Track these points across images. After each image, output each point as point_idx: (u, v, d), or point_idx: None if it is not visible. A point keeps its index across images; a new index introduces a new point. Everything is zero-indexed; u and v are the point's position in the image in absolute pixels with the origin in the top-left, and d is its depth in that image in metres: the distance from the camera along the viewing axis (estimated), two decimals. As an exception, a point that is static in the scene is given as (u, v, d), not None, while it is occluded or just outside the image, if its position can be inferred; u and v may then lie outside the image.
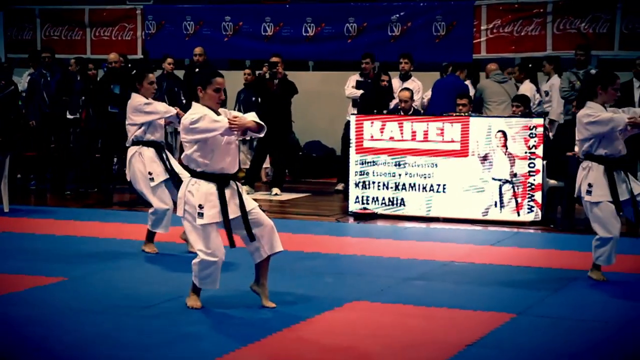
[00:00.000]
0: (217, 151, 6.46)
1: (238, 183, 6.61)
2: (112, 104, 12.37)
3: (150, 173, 8.61)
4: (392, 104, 12.34)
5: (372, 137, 10.98)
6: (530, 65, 12.66)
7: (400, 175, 10.89)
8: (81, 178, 13.13)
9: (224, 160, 6.50)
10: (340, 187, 12.92)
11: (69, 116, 12.94)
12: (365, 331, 6.14)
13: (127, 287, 7.32)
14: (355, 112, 12.17)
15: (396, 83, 13.02)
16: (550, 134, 11.02)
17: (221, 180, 6.49)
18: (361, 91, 12.74)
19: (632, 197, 7.50)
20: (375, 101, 12.40)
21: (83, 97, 12.83)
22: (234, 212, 6.49)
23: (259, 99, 12.99)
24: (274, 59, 12.69)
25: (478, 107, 12.17)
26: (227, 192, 6.49)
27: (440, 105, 11.96)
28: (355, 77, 13.06)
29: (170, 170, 8.61)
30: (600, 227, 7.55)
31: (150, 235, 8.79)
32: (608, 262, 7.60)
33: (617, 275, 7.80)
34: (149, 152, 8.64)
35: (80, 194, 12.81)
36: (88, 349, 5.69)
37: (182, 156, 6.71)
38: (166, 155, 8.68)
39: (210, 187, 6.47)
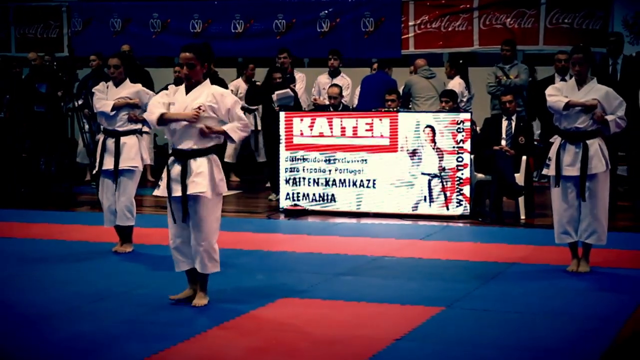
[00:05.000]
0: (168, 127, 6.51)
1: (204, 162, 6.46)
2: (37, 103, 12.18)
3: None
4: (274, 96, 12.07)
5: (301, 133, 10.99)
6: (461, 62, 12.80)
7: (330, 171, 10.92)
8: (7, 178, 12.88)
9: (174, 135, 6.49)
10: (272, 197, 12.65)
11: (-8, 115, 12.70)
12: (294, 327, 6.14)
13: (52, 289, 7.20)
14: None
15: (325, 79, 13.04)
16: (478, 128, 11.14)
17: (174, 156, 6.51)
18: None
19: (582, 174, 7.55)
20: (262, 96, 12.39)
21: (7, 96, 12.59)
22: (176, 190, 6.47)
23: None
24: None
25: (406, 102, 12.24)
26: (177, 168, 6.46)
27: (369, 101, 12.00)
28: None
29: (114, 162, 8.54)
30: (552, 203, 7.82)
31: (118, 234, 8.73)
32: (556, 240, 7.82)
33: (544, 267, 7.94)
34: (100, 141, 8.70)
35: (7, 194, 12.57)
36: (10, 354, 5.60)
37: None
38: (117, 144, 8.52)
39: (169, 161, 6.56)
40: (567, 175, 7.62)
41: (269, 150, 12.25)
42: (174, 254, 6.63)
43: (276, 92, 11.97)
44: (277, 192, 11.47)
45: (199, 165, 6.44)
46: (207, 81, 6.55)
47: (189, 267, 6.63)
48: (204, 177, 6.42)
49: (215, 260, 6.58)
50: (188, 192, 6.42)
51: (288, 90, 12.03)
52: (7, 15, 15.84)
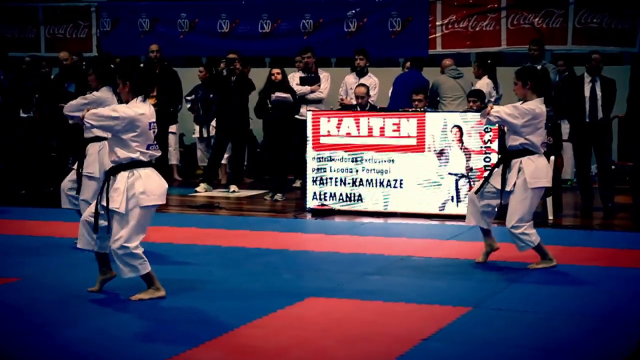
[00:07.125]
0: None
1: (121, 177, 6.68)
2: (66, 102, 12.25)
3: None
4: (273, 96, 12.20)
5: (328, 133, 11.00)
6: (489, 62, 12.75)
7: (357, 171, 10.92)
8: (36, 177, 12.98)
9: None
10: (297, 184, 12.93)
11: (22, 114, 12.80)
12: (321, 326, 6.15)
13: (75, 287, 7.19)
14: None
15: (352, 79, 13.05)
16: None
17: None
18: (308, 87, 12.78)
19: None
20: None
21: (37, 95, 12.69)
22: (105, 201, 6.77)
23: (216, 96, 12.99)
24: (231, 56, 12.68)
25: (433, 102, 12.22)
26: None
27: (401, 100, 12.00)
28: (298, 74, 13.02)
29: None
30: None
31: None
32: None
33: (572, 267, 7.90)
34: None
35: (35, 193, 12.66)
36: (42, 349, 5.65)
37: None
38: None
39: None
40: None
41: (270, 151, 12.42)
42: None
43: (276, 94, 12.03)
44: (281, 192, 12.05)
45: (118, 180, 6.68)
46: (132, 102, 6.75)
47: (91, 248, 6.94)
48: (118, 193, 6.66)
49: (130, 265, 6.65)
50: (109, 206, 6.68)
51: (289, 95, 12.10)
52: (36, 15, 15.96)
